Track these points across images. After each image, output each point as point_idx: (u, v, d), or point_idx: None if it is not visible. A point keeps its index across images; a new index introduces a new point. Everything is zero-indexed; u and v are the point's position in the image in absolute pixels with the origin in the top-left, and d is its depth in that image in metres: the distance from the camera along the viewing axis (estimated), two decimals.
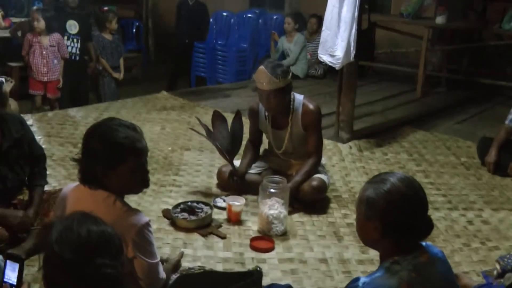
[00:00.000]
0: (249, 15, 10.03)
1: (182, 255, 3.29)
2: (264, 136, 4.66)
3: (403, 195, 2.05)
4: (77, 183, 2.57)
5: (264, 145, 4.76)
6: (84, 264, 1.67)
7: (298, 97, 4.32)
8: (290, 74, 4.24)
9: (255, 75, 4.23)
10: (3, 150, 3.35)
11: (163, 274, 2.66)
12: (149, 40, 11.72)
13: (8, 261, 1.96)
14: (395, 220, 2.05)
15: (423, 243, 2.13)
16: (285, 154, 4.48)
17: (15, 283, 1.94)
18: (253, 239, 3.79)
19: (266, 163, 4.61)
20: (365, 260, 3.64)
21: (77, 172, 2.53)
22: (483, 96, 8.05)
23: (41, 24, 6.60)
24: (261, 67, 4.13)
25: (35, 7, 7.00)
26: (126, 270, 2.21)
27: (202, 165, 5.13)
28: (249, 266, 3.46)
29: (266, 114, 4.39)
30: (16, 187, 3.50)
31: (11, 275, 1.95)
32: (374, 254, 3.64)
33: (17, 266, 1.95)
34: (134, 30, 11.32)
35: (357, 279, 2.04)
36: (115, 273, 1.72)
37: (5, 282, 1.95)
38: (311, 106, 4.28)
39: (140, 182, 2.54)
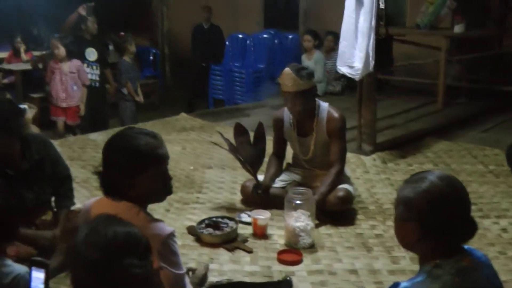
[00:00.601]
0: (265, 35, 10.05)
1: (207, 267, 3.22)
2: (287, 150, 4.63)
3: (443, 194, 1.93)
4: (99, 196, 2.53)
5: (287, 159, 4.71)
6: (112, 265, 1.64)
7: (323, 104, 4.34)
8: (314, 78, 4.29)
9: (280, 77, 4.26)
10: (23, 171, 3.33)
11: (189, 286, 2.59)
12: (165, 66, 11.78)
13: (33, 268, 1.93)
14: (434, 221, 1.92)
15: (465, 247, 2.00)
16: (311, 162, 4.43)
17: None
18: (280, 252, 3.71)
19: (290, 176, 4.55)
20: (396, 271, 3.54)
21: (99, 185, 2.49)
22: (506, 104, 7.91)
23: (61, 51, 6.70)
24: (286, 69, 4.19)
25: (54, 36, 7.11)
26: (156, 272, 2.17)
27: (225, 182, 5.09)
28: (277, 279, 3.39)
29: (291, 121, 4.38)
30: (37, 208, 3.48)
31: (37, 282, 1.91)
32: (405, 264, 3.57)
33: (43, 272, 1.92)
34: (151, 57, 11.40)
35: (397, 284, 1.93)
36: (144, 273, 1.68)
37: None
38: (336, 114, 4.28)
39: (163, 190, 2.49)
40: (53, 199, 3.73)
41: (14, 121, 3.24)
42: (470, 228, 1.97)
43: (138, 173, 2.36)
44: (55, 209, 3.67)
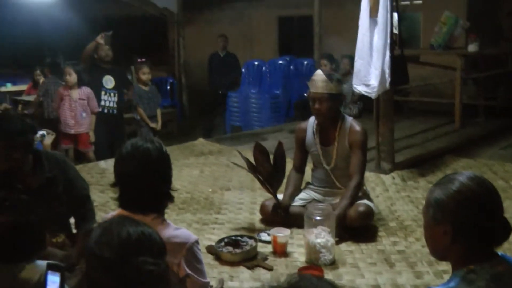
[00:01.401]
0: (280, 62, 10.12)
1: (222, 282, 3.21)
2: (306, 169, 4.62)
3: (475, 194, 1.87)
4: (116, 211, 2.54)
5: (306, 178, 4.70)
6: (125, 263, 1.65)
7: (347, 117, 4.42)
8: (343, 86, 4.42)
9: (311, 79, 4.33)
10: (34, 188, 3.29)
11: None
12: (182, 95, 11.88)
13: (49, 272, 1.93)
14: (467, 222, 1.86)
15: (499, 253, 1.93)
16: (333, 172, 4.42)
17: None
18: (301, 269, 3.66)
19: (309, 195, 4.53)
20: (421, 285, 3.48)
21: (117, 198, 2.50)
22: None
23: (72, 78, 6.73)
24: (318, 71, 4.33)
25: (66, 63, 7.15)
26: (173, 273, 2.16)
27: (244, 203, 5.08)
28: None
29: (314, 130, 4.42)
30: (47, 227, 3.43)
31: (53, 286, 1.92)
32: (429, 279, 3.52)
33: (58, 276, 1.92)
34: (168, 87, 11.50)
35: None
36: (158, 271, 1.68)
37: None
38: (358, 127, 4.33)
39: (169, 193, 2.51)
40: (72, 221, 3.72)
41: (25, 135, 3.23)
42: (504, 229, 1.91)
43: (151, 180, 2.40)
44: (74, 231, 3.66)
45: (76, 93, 6.82)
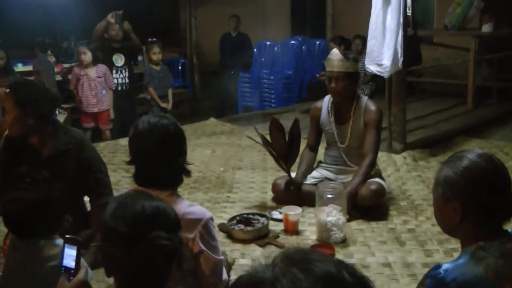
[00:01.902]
0: (292, 42, 10.07)
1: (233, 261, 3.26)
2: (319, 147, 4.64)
3: (484, 171, 1.87)
4: (129, 187, 2.56)
5: (318, 157, 4.71)
6: (140, 237, 1.67)
7: (363, 97, 4.44)
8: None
9: (327, 58, 4.35)
10: (44, 159, 3.32)
11: (226, 276, 2.61)
12: (194, 76, 11.86)
13: (66, 245, 1.95)
14: (476, 199, 1.87)
15: (509, 230, 1.92)
16: (347, 150, 4.44)
17: (73, 267, 1.93)
18: (312, 247, 3.69)
19: (322, 173, 4.55)
20: (431, 263, 3.47)
21: (133, 176, 2.53)
22: None
23: (88, 56, 6.74)
24: (334, 50, 4.36)
25: (80, 42, 7.14)
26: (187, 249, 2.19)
27: (255, 182, 5.11)
28: None
29: (329, 108, 4.44)
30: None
31: (69, 259, 1.94)
32: (439, 257, 3.54)
33: (75, 249, 1.94)
34: (180, 68, 11.49)
35: (439, 266, 1.86)
36: (171, 245, 1.70)
37: (64, 266, 1.94)
38: (373, 106, 4.35)
39: (186, 168, 2.54)
40: (87, 199, 3.74)
41: (40, 103, 3.28)
42: None
43: (176, 155, 2.44)
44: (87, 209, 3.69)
45: (93, 72, 6.83)
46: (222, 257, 2.53)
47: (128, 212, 1.70)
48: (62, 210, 2.40)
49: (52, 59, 9.38)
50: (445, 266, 1.84)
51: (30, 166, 2.89)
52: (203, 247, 2.38)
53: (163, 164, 2.42)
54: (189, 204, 2.46)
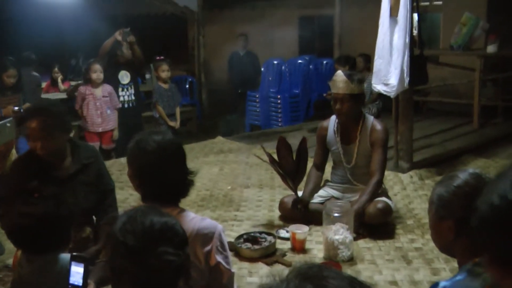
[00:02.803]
0: (300, 61, 10.13)
1: None
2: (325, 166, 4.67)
3: (474, 188, 1.90)
4: (136, 205, 2.58)
5: (325, 176, 4.75)
6: (147, 251, 1.70)
7: (369, 117, 4.47)
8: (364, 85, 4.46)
9: (331, 80, 4.40)
10: (70, 174, 3.43)
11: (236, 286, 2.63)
12: (202, 94, 11.93)
13: (73, 263, 1.98)
14: (468, 216, 1.82)
15: None
16: (353, 170, 4.47)
17: (81, 285, 1.95)
18: None
19: (328, 192, 4.58)
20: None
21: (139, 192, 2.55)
22: None
23: (101, 75, 6.74)
24: (339, 72, 4.39)
25: (91, 60, 7.11)
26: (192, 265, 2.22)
27: (263, 201, 5.14)
28: None
29: (336, 128, 4.47)
30: (75, 216, 3.49)
31: (77, 277, 1.96)
32: (446, 275, 3.56)
33: (82, 267, 1.96)
34: (188, 86, 11.57)
35: (437, 284, 1.91)
36: (178, 261, 1.73)
37: (71, 284, 1.96)
38: (379, 125, 4.38)
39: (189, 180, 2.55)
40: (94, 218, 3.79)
41: (65, 120, 3.42)
42: None
43: (171, 169, 2.44)
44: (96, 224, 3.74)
45: (99, 91, 6.79)
46: (234, 270, 2.56)
47: (138, 226, 1.73)
48: (70, 227, 2.41)
49: (59, 76, 9.47)
50: (442, 283, 1.89)
51: (53, 183, 2.94)
52: (219, 259, 2.41)
53: (170, 178, 2.43)
54: (201, 218, 2.48)
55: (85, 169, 3.51)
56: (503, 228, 1.38)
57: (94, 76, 6.69)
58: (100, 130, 6.87)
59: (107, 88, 6.88)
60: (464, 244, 1.95)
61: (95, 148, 3.79)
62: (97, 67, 6.70)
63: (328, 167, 4.77)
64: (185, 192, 2.52)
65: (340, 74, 4.32)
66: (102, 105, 6.79)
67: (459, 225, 1.94)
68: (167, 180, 2.44)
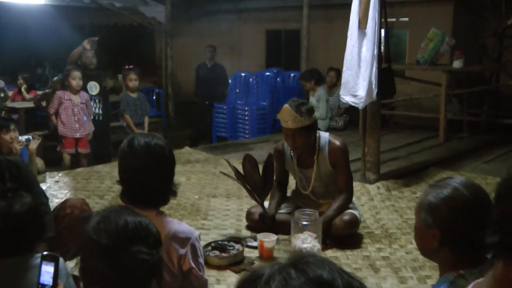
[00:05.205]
0: (267, 73, 10.17)
1: None
2: (291, 176, 4.64)
3: (467, 202, 1.86)
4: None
5: (292, 185, 4.73)
6: (121, 251, 1.68)
7: (324, 135, 4.30)
8: (314, 113, 4.26)
9: (279, 113, 4.21)
10: None
11: None
12: (169, 106, 11.87)
13: (43, 262, 1.93)
14: (456, 229, 1.86)
15: (489, 256, 1.88)
16: (313, 194, 4.42)
17: (51, 284, 1.91)
18: None
19: (295, 202, 4.56)
20: None
21: (120, 194, 2.52)
22: (507, 138, 7.99)
23: (80, 82, 6.73)
24: (286, 106, 4.10)
25: (71, 67, 7.02)
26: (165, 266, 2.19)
27: (230, 210, 5.10)
28: None
29: (292, 153, 4.37)
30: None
31: (46, 276, 1.92)
32: (413, 283, 3.57)
33: (52, 266, 1.92)
34: (154, 97, 11.50)
35: None
36: (151, 261, 1.71)
37: (41, 284, 1.91)
38: (337, 143, 4.24)
39: (173, 189, 2.54)
40: None
41: None
42: None
43: (156, 173, 2.43)
44: None
45: (77, 98, 6.81)
46: (207, 278, 2.54)
47: (111, 226, 1.71)
48: (31, 225, 2.33)
49: (23, 85, 9.33)
50: None
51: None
52: (193, 265, 2.40)
53: (155, 182, 2.42)
54: (178, 222, 2.50)
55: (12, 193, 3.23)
56: None
57: (73, 83, 6.70)
58: (77, 135, 6.85)
59: (84, 95, 6.90)
60: (447, 253, 1.91)
61: (21, 163, 3.30)
62: (77, 74, 6.70)
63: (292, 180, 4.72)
64: (165, 199, 2.50)
65: (287, 110, 4.05)
66: (79, 112, 6.80)
67: (445, 235, 1.89)
68: (150, 184, 2.42)
